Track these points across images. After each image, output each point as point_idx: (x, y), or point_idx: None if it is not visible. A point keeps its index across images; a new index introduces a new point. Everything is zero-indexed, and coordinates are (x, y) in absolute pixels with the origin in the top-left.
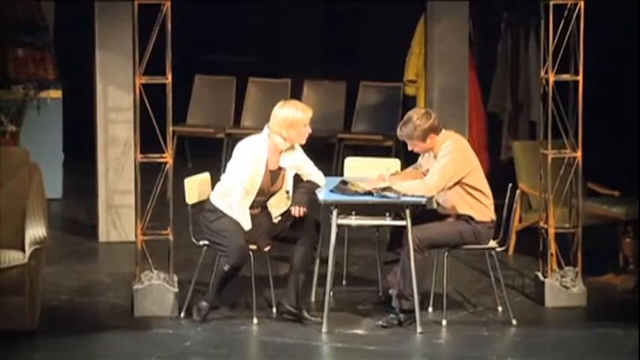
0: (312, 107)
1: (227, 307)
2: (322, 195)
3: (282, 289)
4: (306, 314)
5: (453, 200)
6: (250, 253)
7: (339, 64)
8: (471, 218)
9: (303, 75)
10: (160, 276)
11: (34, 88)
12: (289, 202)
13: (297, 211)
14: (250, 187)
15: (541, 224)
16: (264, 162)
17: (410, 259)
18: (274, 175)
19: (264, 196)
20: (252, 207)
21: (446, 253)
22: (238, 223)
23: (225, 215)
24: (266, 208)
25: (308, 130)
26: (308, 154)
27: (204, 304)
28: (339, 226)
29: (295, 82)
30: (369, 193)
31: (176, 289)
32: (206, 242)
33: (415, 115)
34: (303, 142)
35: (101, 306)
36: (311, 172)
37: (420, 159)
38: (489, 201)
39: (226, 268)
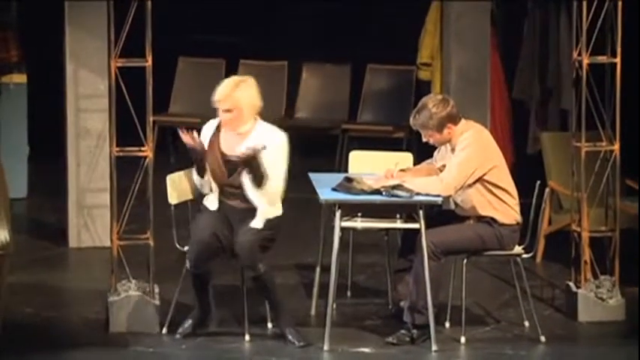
0: (312, 93)
1: (215, 322)
2: (323, 194)
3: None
4: (289, 335)
5: (473, 200)
6: (217, 248)
7: (343, 44)
8: (494, 220)
9: (302, 57)
10: (138, 286)
11: None
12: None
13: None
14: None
15: (573, 227)
16: (208, 137)
17: (424, 266)
18: (232, 164)
19: (221, 183)
20: (227, 197)
21: (465, 260)
22: (210, 216)
23: (203, 210)
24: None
25: (220, 118)
26: (308, 147)
27: (189, 322)
28: (342, 229)
29: (293, 65)
30: (377, 192)
31: (157, 302)
32: None
33: (431, 101)
34: (225, 127)
35: (72, 320)
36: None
37: (435, 153)
38: (514, 201)
39: (187, 265)
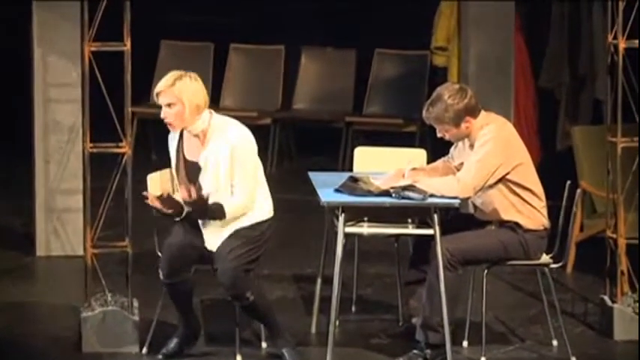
0: (312, 81)
1: (204, 340)
2: (325, 195)
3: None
4: (286, 355)
5: (495, 202)
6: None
7: (348, 26)
8: (518, 225)
9: (301, 40)
10: (115, 300)
11: None
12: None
13: (188, 192)
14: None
15: (608, 233)
16: (174, 148)
17: (439, 278)
18: (196, 168)
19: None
20: None
21: (485, 271)
22: (186, 222)
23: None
24: None
25: (162, 115)
26: (307, 142)
27: (175, 340)
28: (347, 235)
29: (290, 50)
30: (386, 194)
31: (136, 318)
32: None
33: (447, 91)
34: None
35: (40, 339)
36: (238, 187)
37: (451, 149)
38: (541, 203)
39: (160, 276)
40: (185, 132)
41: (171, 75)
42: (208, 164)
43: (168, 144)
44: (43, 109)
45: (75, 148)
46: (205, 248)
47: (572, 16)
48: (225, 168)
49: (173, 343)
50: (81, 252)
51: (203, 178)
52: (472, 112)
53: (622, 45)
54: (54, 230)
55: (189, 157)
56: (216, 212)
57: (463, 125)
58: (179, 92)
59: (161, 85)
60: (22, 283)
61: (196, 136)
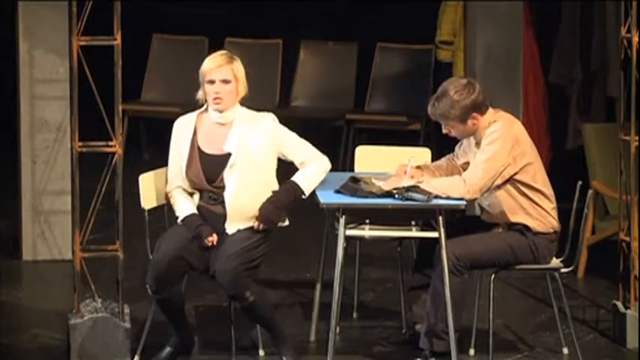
0: (311, 77)
1: (198, 348)
2: (324, 197)
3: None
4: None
5: (503, 204)
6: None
7: (349, 18)
8: (527, 228)
9: (300, 34)
10: (105, 307)
11: None
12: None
13: (258, 226)
14: (175, 175)
15: (621, 236)
16: (188, 140)
17: (444, 283)
18: (216, 162)
19: (207, 191)
20: (206, 201)
21: (493, 276)
22: (179, 231)
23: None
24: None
25: (215, 90)
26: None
27: (168, 349)
28: (348, 238)
29: (289, 43)
30: (389, 195)
31: (128, 325)
32: None
33: (453, 86)
34: (214, 106)
35: (26, 348)
36: (304, 157)
37: (457, 148)
38: (551, 205)
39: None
40: (201, 125)
41: (225, 53)
42: (241, 153)
43: (174, 133)
44: (30, 106)
45: (63, 148)
46: (200, 257)
47: (583, 9)
48: (268, 153)
49: (166, 352)
50: (69, 256)
51: (231, 170)
52: (479, 108)
53: (636, 39)
54: (41, 233)
55: (207, 151)
56: (296, 192)
57: (470, 122)
58: (237, 70)
59: (219, 61)
60: (7, 288)
61: (222, 124)
